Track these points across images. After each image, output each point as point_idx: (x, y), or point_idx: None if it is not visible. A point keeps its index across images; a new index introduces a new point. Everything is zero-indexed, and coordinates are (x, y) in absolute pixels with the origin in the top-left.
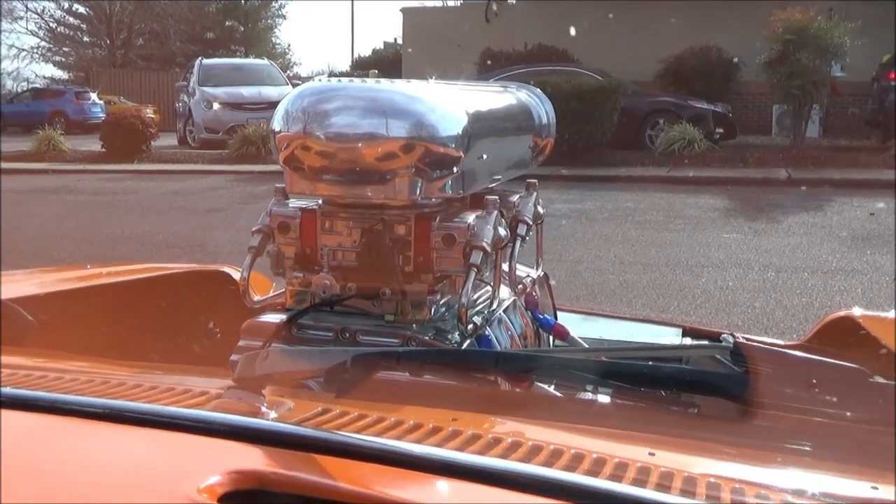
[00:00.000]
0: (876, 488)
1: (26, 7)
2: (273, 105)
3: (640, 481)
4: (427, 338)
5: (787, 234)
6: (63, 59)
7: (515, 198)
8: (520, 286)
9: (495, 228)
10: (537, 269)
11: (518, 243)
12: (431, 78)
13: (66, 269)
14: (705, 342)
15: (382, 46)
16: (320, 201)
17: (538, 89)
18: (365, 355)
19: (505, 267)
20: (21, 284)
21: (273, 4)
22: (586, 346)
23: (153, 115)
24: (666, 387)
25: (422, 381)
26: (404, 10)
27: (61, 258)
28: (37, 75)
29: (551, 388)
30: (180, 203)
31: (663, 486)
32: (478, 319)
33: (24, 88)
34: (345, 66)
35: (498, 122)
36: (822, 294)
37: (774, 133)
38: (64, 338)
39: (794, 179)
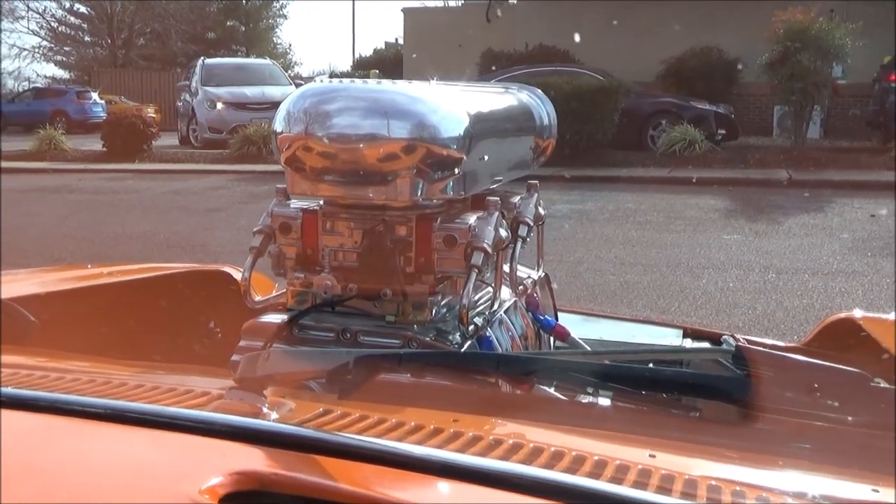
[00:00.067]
0: (877, 491)
1: (28, 7)
2: (276, 105)
3: (641, 484)
4: (428, 339)
5: (788, 236)
6: (64, 59)
7: (516, 199)
8: (521, 287)
9: (496, 229)
10: (538, 270)
11: (519, 244)
12: (433, 78)
13: (68, 269)
14: (707, 345)
15: (384, 46)
16: (322, 202)
17: (539, 90)
18: (367, 356)
19: (506, 268)
20: (22, 284)
21: (274, 4)
22: (587, 347)
23: (154, 115)
24: (667, 390)
25: (423, 383)
26: (405, 11)
27: (62, 258)
28: (38, 75)
29: (552, 391)
30: (181, 203)
31: (664, 489)
32: (479, 320)
33: (26, 88)
34: (346, 66)
35: (499, 123)
36: (823, 296)
37: (775, 134)
38: (65, 337)
39: (795, 181)
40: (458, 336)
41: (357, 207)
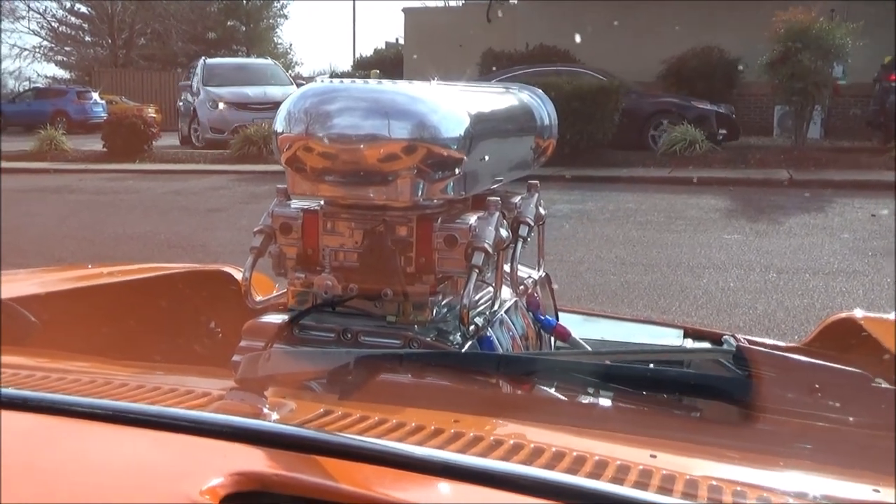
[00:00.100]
0: (878, 491)
1: (28, 7)
2: (278, 105)
3: (641, 484)
4: (429, 339)
5: (789, 236)
6: (65, 59)
7: (517, 199)
8: (521, 287)
9: (497, 229)
10: (539, 270)
11: (520, 244)
12: (433, 79)
13: (68, 269)
14: (708, 345)
15: (384, 47)
16: (322, 202)
17: (540, 90)
18: (367, 357)
19: (507, 268)
20: (23, 284)
21: (275, 4)
22: (588, 347)
23: (155, 115)
24: (668, 390)
25: (424, 383)
26: (406, 11)
27: (63, 258)
28: (39, 75)
29: (553, 391)
30: (182, 203)
31: (665, 489)
32: (479, 320)
33: (26, 88)
34: (346, 66)
35: (500, 123)
36: (824, 295)
37: (776, 134)
38: (66, 338)
39: (795, 181)
40: (458, 336)
41: (358, 207)
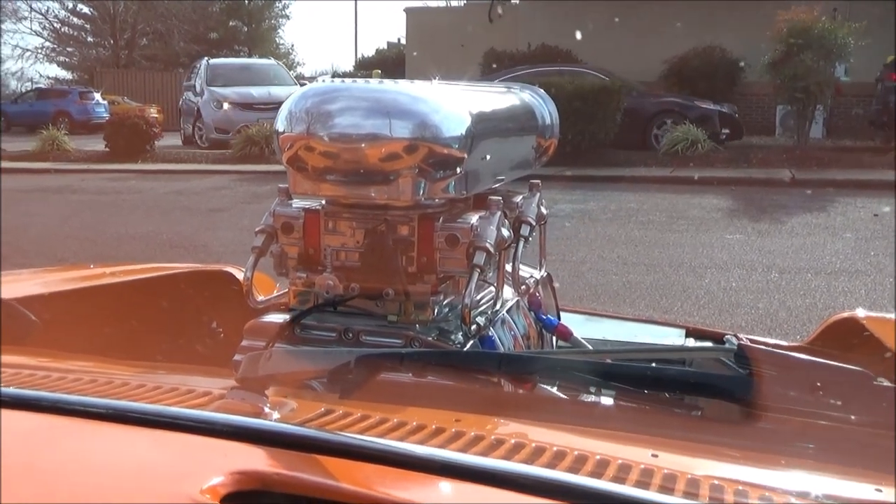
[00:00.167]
0: (880, 490)
1: (30, 7)
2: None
3: (643, 483)
4: (430, 338)
5: (791, 235)
6: (67, 60)
7: (519, 198)
8: (523, 287)
9: (498, 229)
10: (540, 269)
11: (521, 244)
12: (435, 78)
13: (70, 269)
14: (709, 344)
15: (386, 46)
16: (324, 202)
17: (541, 90)
18: (368, 356)
19: (508, 267)
20: (25, 284)
21: (277, 4)
22: (589, 346)
23: (157, 115)
24: (669, 389)
25: (425, 383)
26: (408, 11)
27: (65, 258)
28: (41, 75)
29: (555, 390)
30: (184, 203)
31: (666, 489)
32: (481, 320)
33: (29, 88)
34: (348, 66)
35: (501, 122)
36: (826, 295)
37: (778, 134)
38: (67, 337)
39: (797, 180)
40: (460, 336)
41: (359, 207)
